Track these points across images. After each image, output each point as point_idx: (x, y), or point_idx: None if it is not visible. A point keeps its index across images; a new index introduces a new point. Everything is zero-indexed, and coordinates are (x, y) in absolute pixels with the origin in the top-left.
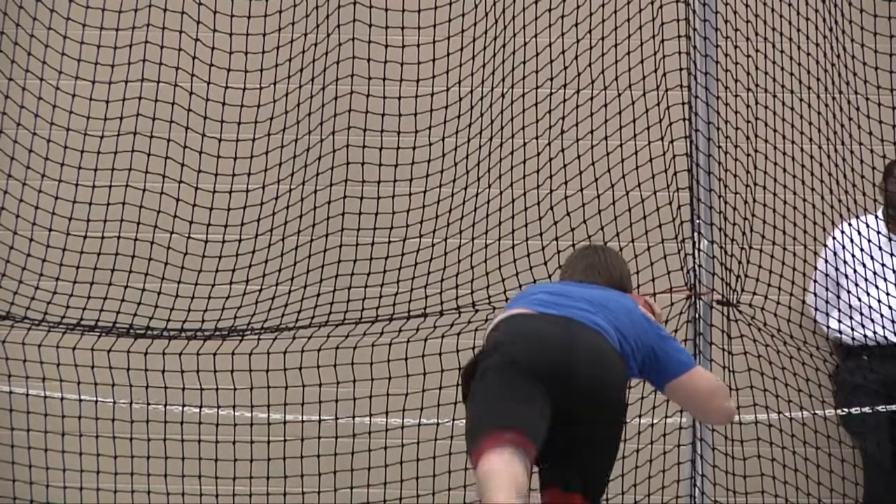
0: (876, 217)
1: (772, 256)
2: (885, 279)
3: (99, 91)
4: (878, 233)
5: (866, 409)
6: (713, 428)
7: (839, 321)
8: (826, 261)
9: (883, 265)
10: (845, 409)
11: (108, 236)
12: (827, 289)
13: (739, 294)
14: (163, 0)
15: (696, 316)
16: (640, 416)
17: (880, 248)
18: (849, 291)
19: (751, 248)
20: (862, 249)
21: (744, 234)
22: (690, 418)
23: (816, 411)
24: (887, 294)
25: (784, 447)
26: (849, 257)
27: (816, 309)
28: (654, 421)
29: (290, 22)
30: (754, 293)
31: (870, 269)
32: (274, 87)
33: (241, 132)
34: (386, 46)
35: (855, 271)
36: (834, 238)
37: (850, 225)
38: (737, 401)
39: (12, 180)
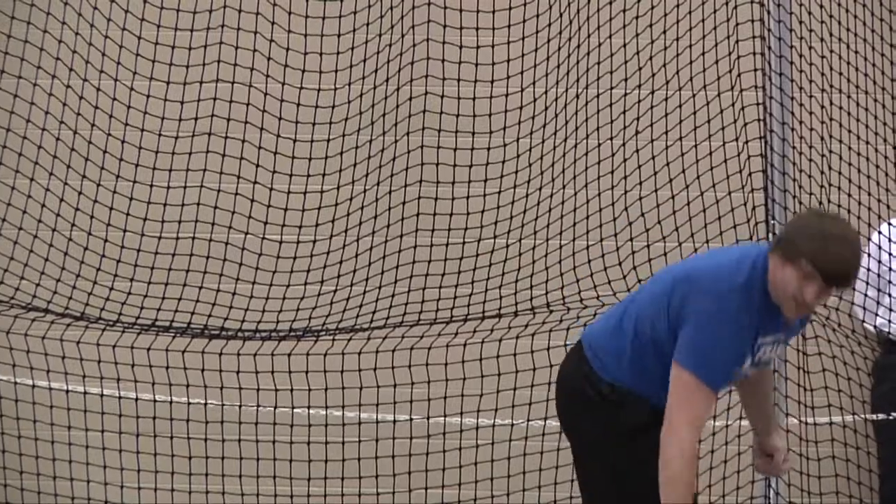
0: None
1: None
2: None
3: (173, 92)
4: None
5: None
6: (787, 429)
7: (879, 316)
8: (870, 256)
9: None
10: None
11: (182, 237)
12: (867, 283)
13: None
14: (237, 1)
15: None
16: (714, 418)
17: None
18: (889, 281)
19: None
20: None
21: None
22: None
23: (892, 413)
24: None
25: (858, 448)
26: (895, 250)
27: (862, 307)
28: (729, 422)
29: (365, 23)
30: None
31: None
32: (349, 87)
33: (316, 133)
34: (460, 47)
35: (890, 269)
36: (880, 233)
37: (889, 224)
38: (812, 401)
39: (87, 181)
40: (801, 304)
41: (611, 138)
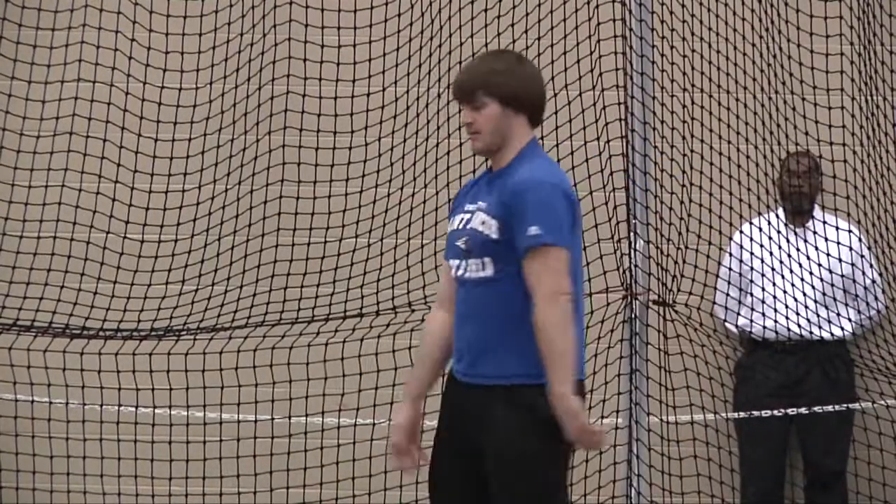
0: (776, 214)
1: (707, 256)
2: (791, 271)
3: (35, 91)
4: (778, 231)
5: (809, 411)
6: (649, 428)
7: (741, 316)
8: (731, 255)
9: (781, 262)
10: (793, 410)
11: (44, 236)
12: (729, 283)
13: (675, 294)
14: (98, 0)
15: (633, 316)
16: None
17: (780, 247)
18: (751, 281)
19: (686, 248)
20: (762, 246)
21: (679, 234)
22: (626, 419)
23: (752, 412)
24: (793, 286)
25: (720, 447)
26: (755, 250)
27: (724, 307)
28: (591, 421)
29: (227, 22)
30: (690, 293)
31: (768, 265)
32: (210, 86)
33: (177, 132)
34: (322, 46)
35: (752, 268)
36: (741, 232)
37: (751, 224)
38: (673, 400)
39: None
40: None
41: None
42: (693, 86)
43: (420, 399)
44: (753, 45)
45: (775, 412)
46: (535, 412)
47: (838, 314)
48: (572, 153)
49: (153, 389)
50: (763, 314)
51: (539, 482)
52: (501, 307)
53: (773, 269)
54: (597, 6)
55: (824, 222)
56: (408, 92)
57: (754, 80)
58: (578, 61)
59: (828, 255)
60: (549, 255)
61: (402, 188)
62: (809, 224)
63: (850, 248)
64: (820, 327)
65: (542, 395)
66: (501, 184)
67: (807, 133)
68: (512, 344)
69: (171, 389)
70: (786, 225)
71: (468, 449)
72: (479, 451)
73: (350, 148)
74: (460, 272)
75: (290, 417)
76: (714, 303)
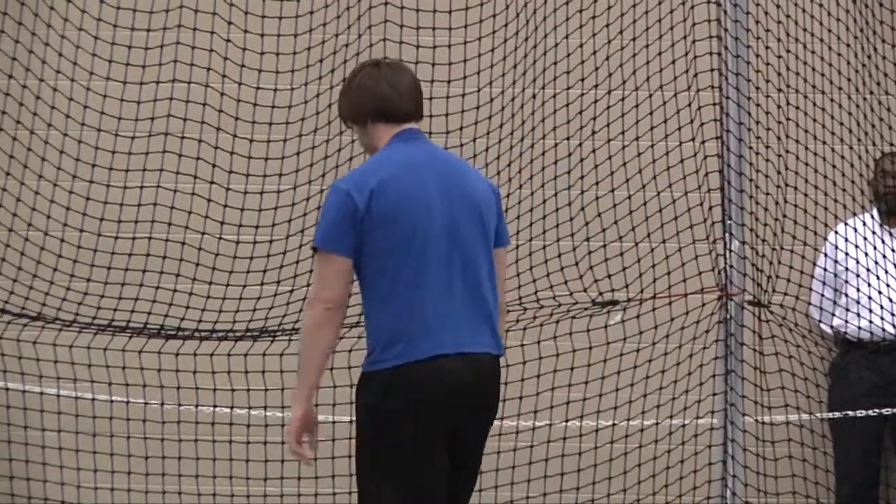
0: (871, 215)
1: (803, 257)
2: (886, 271)
3: (130, 92)
4: (873, 231)
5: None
6: (744, 429)
7: (835, 316)
8: (826, 256)
9: (875, 262)
10: (887, 410)
11: (139, 237)
12: (824, 284)
13: (770, 295)
14: (194, 1)
15: (728, 317)
16: (671, 418)
17: (874, 247)
18: (846, 281)
19: (782, 248)
20: (857, 246)
21: (775, 234)
22: (721, 419)
23: (847, 412)
24: (887, 286)
25: (815, 448)
26: (850, 250)
27: (819, 308)
28: (686, 422)
29: (322, 23)
30: (785, 294)
31: (863, 266)
32: (305, 87)
33: (273, 133)
34: (417, 47)
35: (846, 269)
36: (836, 233)
37: (845, 224)
38: (768, 401)
39: (43, 181)
40: None
41: (567, 138)
42: (788, 86)
43: None
44: (848, 45)
45: (870, 412)
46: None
47: None
48: (667, 154)
49: (248, 391)
50: (858, 314)
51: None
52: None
53: (867, 270)
54: (692, 7)
55: None
56: (503, 93)
57: (849, 80)
58: (674, 62)
59: None
60: (317, 260)
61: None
62: None
63: None
64: None
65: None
66: None
67: None
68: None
69: (266, 390)
70: (880, 225)
71: None
72: None
73: (445, 149)
74: None
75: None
76: (809, 303)
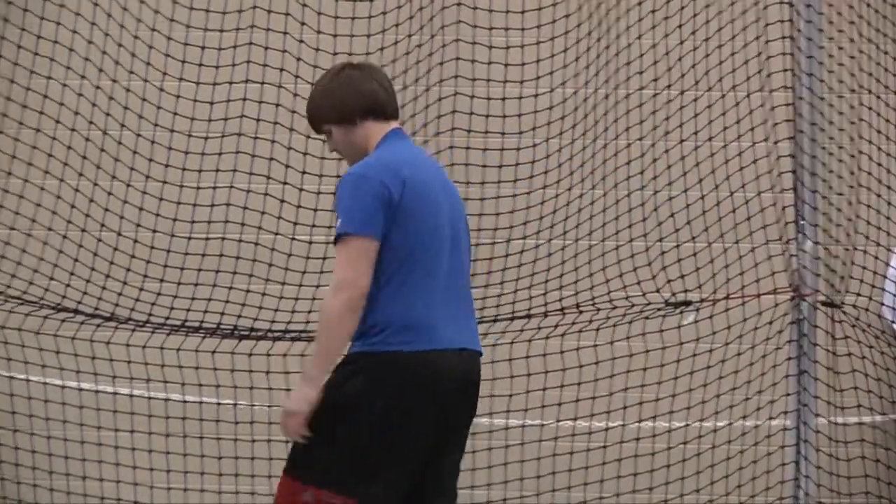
0: None
1: (876, 257)
2: None
3: (203, 93)
4: None
5: None
6: (817, 430)
7: None
8: None
9: None
10: None
11: (212, 238)
12: None
13: (843, 295)
14: (267, 2)
15: (801, 317)
16: (744, 419)
17: None
18: None
19: (855, 248)
20: None
21: (847, 235)
22: (794, 420)
23: None
24: None
25: (888, 448)
26: None
27: (892, 308)
28: (758, 423)
29: (395, 24)
30: (858, 294)
31: None
32: None
33: None
34: (490, 48)
35: None
36: None
37: None
38: (841, 402)
39: (116, 182)
40: None
41: (640, 139)
42: (861, 87)
43: None
44: None
45: None
46: None
47: None
48: (740, 154)
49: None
50: None
51: None
52: None
53: None
54: (765, 8)
55: None
56: (576, 93)
57: None
58: (746, 62)
59: None
60: (348, 245)
61: (569, 189)
62: None
63: None
64: None
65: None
66: None
67: None
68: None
69: None
70: None
71: None
72: None
73: (518, 149)
74: None
75: None
76: (882, 304)
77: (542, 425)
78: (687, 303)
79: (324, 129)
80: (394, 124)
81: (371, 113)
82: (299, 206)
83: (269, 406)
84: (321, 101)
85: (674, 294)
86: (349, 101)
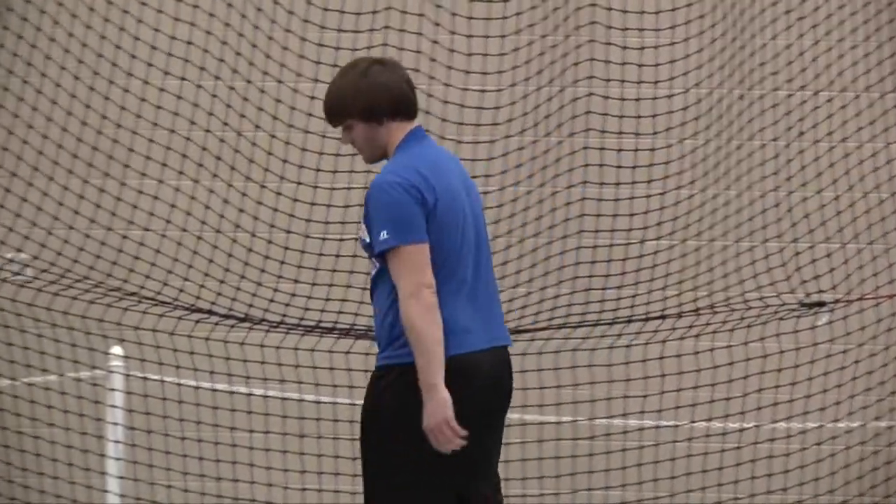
0: None
1: None
2: None
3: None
4: None
5: None
6: None
7: None
8: None
9: None
10: None
11: (346, 239)
12: None
13: None
14: (401, 3)
15: None
16: (877, 419)
17: None
18: None
19: None
20: None
21: None
22: None
23: None
24: None
25: None
26: None
27: None
28: (893, 423)
29: (529, 24)
30: None
31: None
32: (512, 89)
33: (480, 134)
34: (624, 48)
35: None
36: None
37: None
38: None
39: (251, 183)
40: None
41: (774, 140)
42: None
43: None
44: None
45: None
46: None
47: None
48: (874, 155)
49: None
50: None
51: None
52: (385, 298)
53: None
54: None
55: None
56: (710, 94)
57: None
58: (880, 63)
59: None
60: (402, 256)
61: (703, 190)
62: None
63: None
64: None
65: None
66: None
67: None
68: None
69: None
70: None
71: None
72: None
73: (652, 150)
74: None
75: (592, 419)
76: None
77: (677, 426)
78: (821, 303)
79: (345, 123)
80: (415, 123)
81: (398, 113)
82: None
83: None
84: (349, 97)
85: (808, 295)
86: (379, 100)
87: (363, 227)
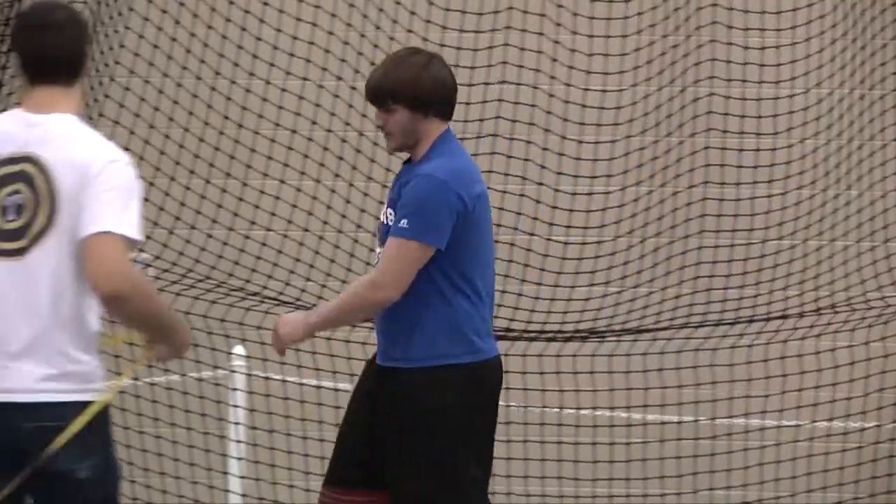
0: None
1: None
2: None
3: (459, 93)
4: None
5: None
6: None
7: None
8: None
9: None
10: None
11: None
12: None
13: None
14: (523, 3)
15: None
16: None
17: None
18: None
19: None
20: None
21: None
22: None
23: None
24: None
25: None
26: None
27: None
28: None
29: (650, 24)
30: None
31: None
32: (633, 89)
33: (601, 134)
34: (745, 48)
35: None
36: None
37: None
38: None
39: (372, 183)
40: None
41: None
42: None
43: None
44: None
45: None
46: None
47: None
48: None
49: (578, 391)
50: None
51: None
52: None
53: None
54: None
55: None
56: (831, 94)
57: None
58: None
59: None
60: (408, 249)
61: (825, 190)
62: None
63: None
64: None
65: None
66: (411, 176)
67: None
68: (415, 327)
69: (595, 391)
70: None
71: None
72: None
73: (773, 150)
74: (374, 261)
75: (714, 419)
76: None
77: (798, 426)
78: None
79: (390, 105)
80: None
81: (442, 112)
82: (555, 207)
83: (523, 407)
84: (406, 82)
85: None
86: (434, 94)
87: (390, 211)
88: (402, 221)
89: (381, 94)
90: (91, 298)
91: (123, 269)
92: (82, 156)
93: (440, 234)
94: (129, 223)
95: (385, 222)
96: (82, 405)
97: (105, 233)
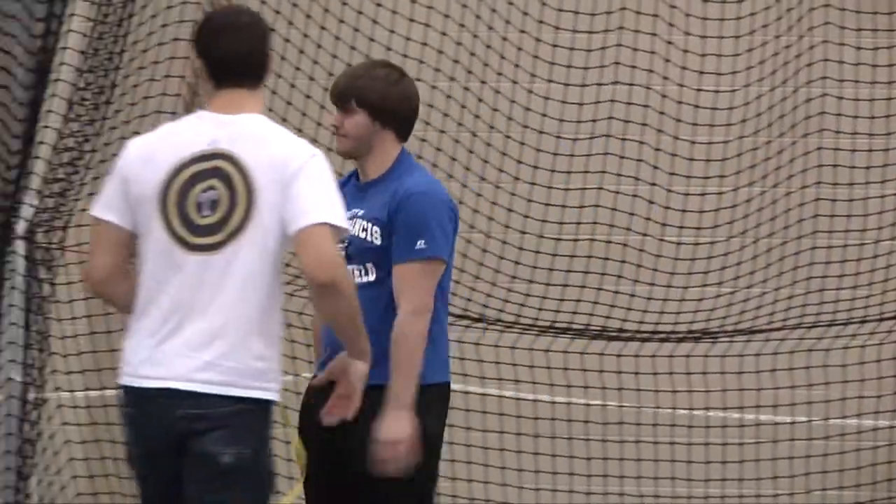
0: None
1: None
2: None
3: (572, 94)
4: None
5: None
6: None
7: None
8: None
9: None
10: None
11: (580, 239)
12: None
13: None
14: (635, 3)
15: None
16: None
17: None
18: None
19: None
20: None
21: None
22: None
23: None
24: None
25: None
26: None
27: None
28: None
29: (763, 24)
30: None
31: None
32: (746, 89)
33: (714, 135)
34: (858, 49)
35: None
36: None
37: None
38: None
39: (485, 184)
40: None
41: None
42: None
43: None
44: None
45: None
46: None
47: None
48: None
49: (690, 391)
50: None
51: None
52: (383, 311)
53: None
54: None
55: None
56: None
57: None
58: None
59: None
60: (429, 269)
61: None
62: None
63: None
64: None
65: None
66: (383, 191)
67: None
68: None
69: (707, 391)
70: None
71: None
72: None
73: (886, 150)
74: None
75: (827, 419)
76: None
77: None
78: None
79: (352, 106)
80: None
81: (398, 129)
82: (667, 208)
83: (637, 408)
84: (375, 90)
85: None
86: (399, 109)
87: (375, 229)
88: (418, 243)
89: (347, 94)
90: (279, 297)
91: (338, 259)
92: (279, 153)
93: (451, 247)
94: (337, 213)
95: (367, 238)
96: (253, 401)
97: (319, 224)
